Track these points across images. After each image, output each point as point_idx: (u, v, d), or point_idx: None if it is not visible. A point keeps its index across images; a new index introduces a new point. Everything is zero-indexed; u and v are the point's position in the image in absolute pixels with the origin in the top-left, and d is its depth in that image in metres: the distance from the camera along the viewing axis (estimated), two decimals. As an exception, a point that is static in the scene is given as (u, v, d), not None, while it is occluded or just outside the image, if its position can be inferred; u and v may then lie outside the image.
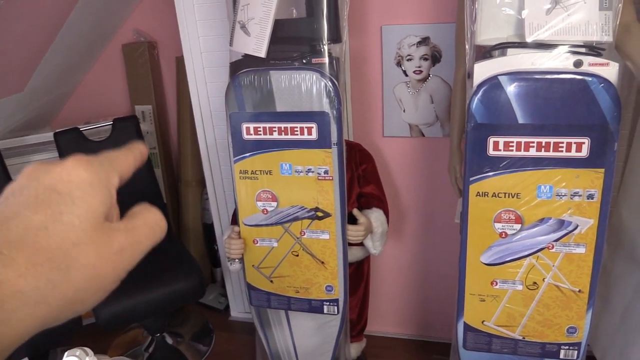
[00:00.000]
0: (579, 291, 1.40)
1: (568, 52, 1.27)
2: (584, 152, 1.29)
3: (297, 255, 1.67)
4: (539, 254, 1.39)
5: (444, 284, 2.15)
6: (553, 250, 1.38)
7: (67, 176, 0.32)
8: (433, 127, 1.96)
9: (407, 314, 2.36)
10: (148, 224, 0.36)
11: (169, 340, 2.41)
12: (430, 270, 2.21)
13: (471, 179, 1.36)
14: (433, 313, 2.30)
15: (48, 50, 2.21)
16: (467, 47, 1.38)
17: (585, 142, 1.28)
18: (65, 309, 0.30)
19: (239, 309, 2.60)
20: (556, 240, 1.37)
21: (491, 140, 1.32)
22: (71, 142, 2.23)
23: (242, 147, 1.62)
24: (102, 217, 0.33)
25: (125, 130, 2.36)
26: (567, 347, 1.47)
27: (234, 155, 1.63)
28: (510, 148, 1.32)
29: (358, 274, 1.93)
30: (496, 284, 1.45)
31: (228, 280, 2.54)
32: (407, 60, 1.89)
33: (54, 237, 0.29)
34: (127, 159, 0.38)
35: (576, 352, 1.47)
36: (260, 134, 1.58)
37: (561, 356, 1.49)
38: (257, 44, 1.53)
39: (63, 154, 2.21)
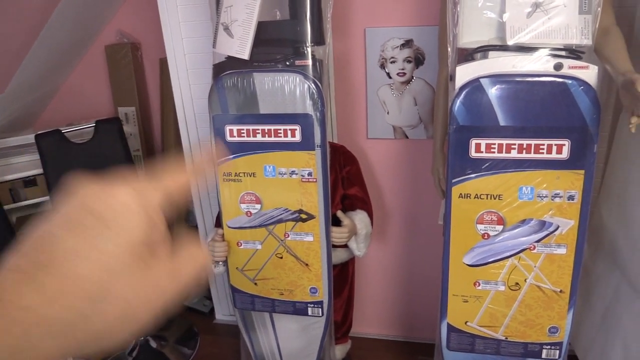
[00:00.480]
0: (560, 291, 1.42)
1: (548, 55, 1.28)
2: (565, 154, 1.30)
3: (281, 258, 1.67)
4: (520, 254, 1.40)
5: (428, 285, 2.16)
6: (535, 251, 1.39)
7: (108, 199, 0.30)
8: (417, 129, 1.97)
9: (391, 315, 2.36)
10: (193, 259, 0.33)
11: (153, 344, 2.39)
12: (415, 271, 2.22)
13: (453, 180, 1.37)
14: (417, 314, 2.31)
15: (29, 51, 2.19)
16: (449, 49, 1.39)
17: (566, 144, 1.29)
18: (91, 343, 0.28)
19: (223, 312, 2.59)
20: (538, 241, 1.38)
21: (473, 142, 1.33)
22: (53, 144, 2.21)
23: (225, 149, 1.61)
24: (142, 246, 0.30)
25: (108, 132, 2.34)
26: (549, 347, 1.49)
27: (217, 157, 1.62)
28: (492, 150, 1.33)
29: (343, 276, 1.93)
30: (479, 284, 1.46)
31: (213, 283, 2.53)
32: (391, 62, 1.90)
33: (87, 263, 0.28)
34: (178, 179, 0.36)
35: (558, 351, 1.48)
36: (244, 136, 1.57)
37: (543, 356, 1.50)
38: (241, 46, 1.53)
39: (44, 156, 2.18)
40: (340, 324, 2.01)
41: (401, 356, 2.30)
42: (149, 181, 0.33)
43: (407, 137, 2.00)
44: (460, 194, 1.38)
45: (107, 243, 0.29)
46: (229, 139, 1.59)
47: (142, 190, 0.32)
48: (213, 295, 2.57)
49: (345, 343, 2.10)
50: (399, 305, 2.33)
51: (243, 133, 1.57)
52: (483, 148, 1.33)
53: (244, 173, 1.62)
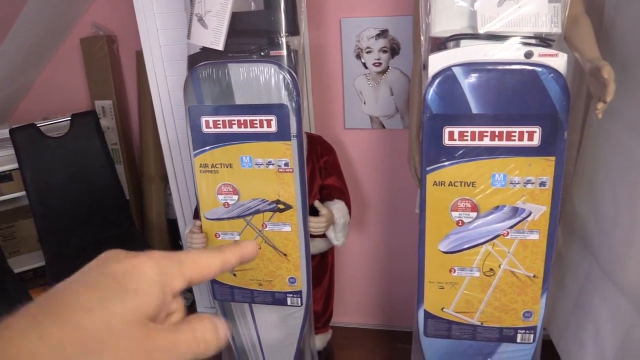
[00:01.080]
0: (534, 276, 1.44)
1: (519, 43, 1.30)
2: (536, 141, 1.32)
3: (260, 248, 1.68)
4: (494, 241, 1.42)
5: (407, 274, 2.18)
6: (508, 237, 1.41)
7: (133, 268, 0.32)
8: (393, 119, 1.98)
9: (372, 304, 2.38)
10: (194, 333, 0.34)
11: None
12: (394, 260, 2.24)
13: (428, 168, 1.39)
14: (397, 302, 2.33)
15: (1, 45, 2.16)
16: (422, 39, 1.40)
17: (537, 131, 1.31)
18: None
19: (205, 304, 2.59)
20: (511, 227, 1.40)
21: (446, 130, 1.35)
22: (28, 139, 2.19)
23: (201, 141, 1.61)
24: (148, 316, 0.31)
25: (84, 126, 2.32)
26: (523, 331, 1.52)
27: (193, 148, 1.62)
28: (465, 138, 1.34)
29: (322, 266, 1.94)
30: (454, 271, 1.48)
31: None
32: (367, 52, 1.91)
33: (96, 319, 0.29)
34: (208, 264, 0.37)
35: (532, 335, 1.51)
36: (220, 127, 1.57)
37: (518, 340, 1.53)
38: (215, 37, 1.53)
39: (19, 150, 2.16)
40: (320, 313, 2.02)
41: (382, 344, 2.33)
42: (176, 263, 0.35)
43: (384, 127, 2.01)
44: (435, 181, 1.40)
45: (116, 303, 0.30)
46: (205, 130, 1.59)
47: (166, 269, 0.33)
48: (194, 287, 2.57)
49: (325, 332, 2.12)
50: (379, 294, 2.36)
51: (219, 124, 1.57)
52: (456, 136, 1.35)
53: (221, 164, 1.62)
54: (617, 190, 1.41)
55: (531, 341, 1.53)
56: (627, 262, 1.35)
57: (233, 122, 1.56)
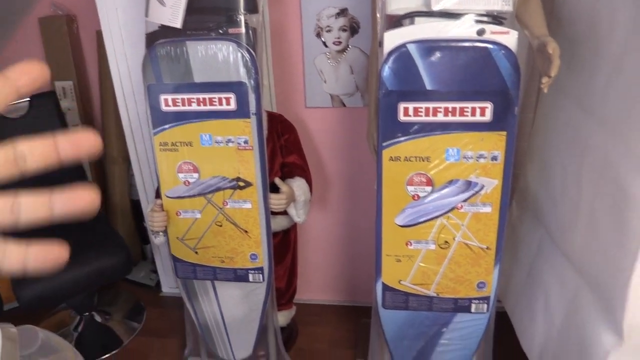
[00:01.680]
0: (487, 248, 1.49)
1: (472, 21, 1.33)
2: (488, 117, 1.36)
3: (221, 226, 1.69)
4: (449, 214, 1.47)
5: (368, 250, 2.21)
6: (462, 210, 1.46)
7: None
8: (353, 97, 2.00)
9: (336, 281, 2.42)
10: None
11: (98, 319, 2.38)
12: (356, 236, 2.28)
13: (384, 144, 1.42)
14: (360, 278, 2.38)
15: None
16: (378, 17, 1.42)
17: (489, 106, 1.35)
18: None
19: (170, 285, 2.59)
20: (465, 201, 1.44)
21: (401, 106, 1.37)
22: (-16, 120, 2.14)
23: (161, 119, 1.61)
24: None
25: (43, 107, 2.29)
26: (477, 301, 1.57)
27: (153, 127, 1.62)
28: (420, 113, 1.37)
29: (284, 243, 1.97)
30: (411, 244, 1.52)
31: (158, 256, 2.53)
32: (327, 31, 1.92)
33: None
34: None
35: (486, 305, 1.56)
36: (179, 105, 1.57)
37: (472, 310, 1.58)
38: (173, 15, 1.52)
39: (-24, 132, 2.12)
40: (284, 290, 2.05)
41: (346, 319, 2.37)
42: None
43: (344, 105, 2.03)
44: (391, 156, 1.43)
45: None
46: (164, 108, 1.59)
47: None
48: (159, 268, 2.57)
49: (289, 309, 2.15)
50: (343, 271, 2.40)
51: (178, 102, 1.57)
52: (411, 112, 1.38)
53: (181, 142, 1.62)
54: (566, 162, 1.47)
55: (485, 311, 1.58)
56: (573, 231, 1.41)
57: (192, 100, 1.56)
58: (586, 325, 1.34)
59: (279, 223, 1.86)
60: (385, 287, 1.59)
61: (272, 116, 1.80)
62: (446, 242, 1.50)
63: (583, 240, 1.37)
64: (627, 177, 1.13)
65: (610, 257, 1.22)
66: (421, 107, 1.37)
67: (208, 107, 1.56)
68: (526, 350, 1.70)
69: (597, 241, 1.29)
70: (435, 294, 1.57)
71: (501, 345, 1.75)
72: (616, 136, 1.21)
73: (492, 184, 1.42)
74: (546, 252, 1.60)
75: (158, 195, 1.75)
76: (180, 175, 1.65)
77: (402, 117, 1.38)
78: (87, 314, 2.34)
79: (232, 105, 1.55)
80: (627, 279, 1.14)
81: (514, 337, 1.79)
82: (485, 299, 1.57)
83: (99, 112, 2.75)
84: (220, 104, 1.55)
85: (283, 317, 2.11)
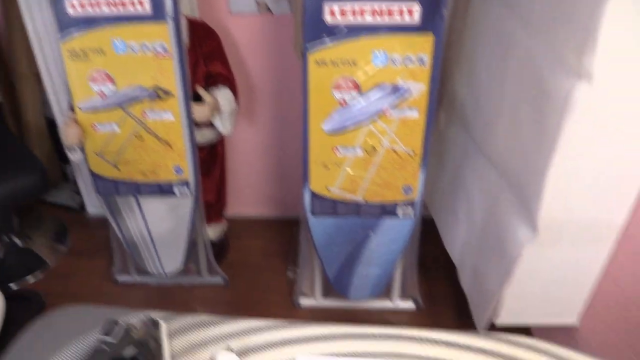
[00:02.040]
0: (413, 152, 1.50)
1: None
2: (415, 18, 1.32)
3: (142, 139, 1.61)
4: (376, 119, 1.45)
5: (298, 160, 2.20)
6: (389, 116, 1.45)
7: None
8: (280, 3, 1.90)
9: (266, 194, 2.41)
10: None
11: (19, 243, 2.28)
12: (285, 148, 2.25)
13: (309, 46, 1.36)
14: (290, 191, 2.37)
15: None
16: None
17: (416, 7, 1.31)
18: None
19: (94, 205, 2.50)
20: (391, 106, 1.43)
21: (326, 7, 1.31)
22: None
23: (68, 24, 1.47)
24: None
25: None
26: (404, 206, 1.60)
27: (59, 32, 1.48)
28: (346, 14, 1.32)
29: (212, 156, 1.91)
30: (338, 150, 1.50)
31: (79, 176, 2.41)
32: None
33: None
34: None
35: (411, 207, 1.60)
36: (87, 7, 1.44)
37: (399, 214, 1.61)
38: None
39: None
40: (213, 203, 2.02)
41: (278, 232, 2.38)
42: None
43: (271, 12, 1.93)
44: (317, 60, 1.38)
45: None
46: (70, 11, 1.45)
47: None
48: (81, 188, 2.46)
49: (219, 223, 2.13)
50: (274, 184, 2.38)
51: (85, 4, 1.44)
52: (337, 13, 1.32)
53: (91, 50, 1.50)
54: (491, 65, 1.47)
55: (411, 215, 1.62)
56: (495, 133, 1.44)
57: (101, 2, 1.44)
58: (505, 222, 1.40)
59: (205, 135, 1.79)
60: (314, 195, 1.59)
61: (193, 23, 1.69)
62: (373, 147, 1.50)
63: (504, 142, 1.40)
64: (548, 75, 1.15)
65: (528, 155, 1.26)
66: (347, 8, 1.31)
67: (120, 10, 1.44)
68: (449, 250, 1.78)
69: (517, 141, 1.32)
70: (362, 200, 1.59)
71: (425, 247, 1.81)
72: (539, 34, 1.21)
73: (419, 88, 1.41)
74: (470, 156, 1.63)
75: (72, 108, 1.63)
76: (94, 85, 1.54)
77: (328, 20, 1.33)
78: (6, 238, 2.23)
79: (147, 7, 1.43)
80: (543, 175, 1.18)
81: (438, 240, 1.86)
82: (411, 203, 1.60)
83: (2, 24, 2.50)
84: (133, 5, 1.43)
85: (213, 231, 2.09)
